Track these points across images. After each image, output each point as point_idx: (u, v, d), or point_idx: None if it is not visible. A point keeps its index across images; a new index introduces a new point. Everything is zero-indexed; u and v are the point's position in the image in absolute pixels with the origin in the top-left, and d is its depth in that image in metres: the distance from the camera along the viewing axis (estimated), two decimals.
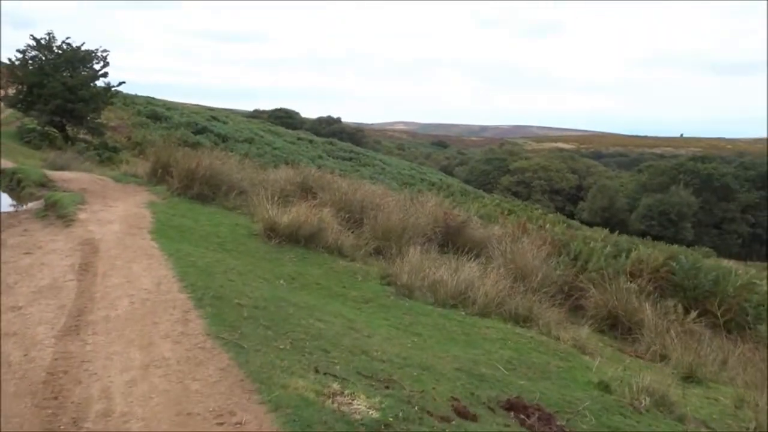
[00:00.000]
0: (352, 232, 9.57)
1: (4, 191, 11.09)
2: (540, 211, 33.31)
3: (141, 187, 11.33)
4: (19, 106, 22.11)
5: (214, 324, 4.25)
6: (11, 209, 9.01)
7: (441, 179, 42.71)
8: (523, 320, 7.18)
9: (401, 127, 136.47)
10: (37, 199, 9.97)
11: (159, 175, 11.39)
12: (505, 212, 25.92)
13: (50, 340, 3.93)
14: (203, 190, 9.99)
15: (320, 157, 34.69)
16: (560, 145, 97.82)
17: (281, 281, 6.69)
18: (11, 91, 22.42)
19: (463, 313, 6.95)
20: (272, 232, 8.45)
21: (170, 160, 11.38)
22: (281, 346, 4.09)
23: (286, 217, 8.59)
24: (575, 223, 34.50)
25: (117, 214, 8.12)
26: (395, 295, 7.13)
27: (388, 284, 7.64)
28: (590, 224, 36.81)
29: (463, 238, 10.74)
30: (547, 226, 16.51)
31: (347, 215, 10.12)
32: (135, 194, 10.42)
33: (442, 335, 5.96)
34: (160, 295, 4.83)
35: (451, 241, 10.57)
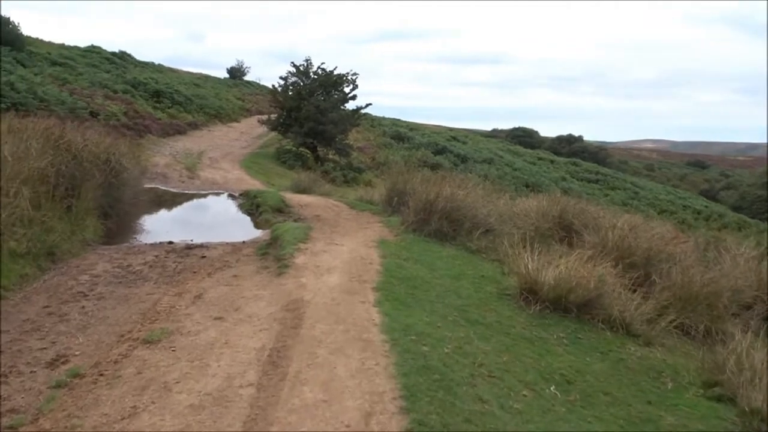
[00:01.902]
0: (637, 294, 6.71)
1: (245, 215, 10.42)
2: None
3: (374, 217, 9.77)
4: (279, 128, 22.96)
5: None
6: (239, 242, 7.96)
7: (706, 206, 35.96)
8: None
9: (649, 145, 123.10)
10: (269, 228, 8.94)
11: (394, 204, 9.72)
12: None
13: None
14: (442, 226, 7.98)
15: (564, 179, 31.23)
16: None
17: (552, 388, 4.24)
18: (273, 116, 23.44)
19: None
20: (531, 294, 6.04)
21: (406, 187, 9.65)
22: None
23: (550, 273, 6.11)
24: None
25: (340, 258, 6.43)
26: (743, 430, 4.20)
27: (719, 400, 4.71)
28: None
29: None
30: None
31: (627, 268, 7.27)
32: (366, 226, 8.83)
33: None
34: None
35: None
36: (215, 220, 10.11)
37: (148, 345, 3.95)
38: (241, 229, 9.38)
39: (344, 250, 6.83)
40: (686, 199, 38.21)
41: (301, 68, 22.25)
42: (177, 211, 10.70)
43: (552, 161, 38.51)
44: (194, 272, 6.10)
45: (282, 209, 10.30)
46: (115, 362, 3.68)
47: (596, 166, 40.21)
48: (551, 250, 8.12)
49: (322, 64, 22.26)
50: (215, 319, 4.45)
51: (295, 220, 9.59)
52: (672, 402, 4.51)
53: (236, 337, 4.05)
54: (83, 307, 4.83)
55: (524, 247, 7.84)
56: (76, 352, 3.88)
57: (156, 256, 6.84)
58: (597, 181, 34.02)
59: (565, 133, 64.87)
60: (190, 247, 7.46)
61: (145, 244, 7.76)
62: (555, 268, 6.21)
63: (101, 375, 3.50)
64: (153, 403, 3.11)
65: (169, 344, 3.95)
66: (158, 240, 8.03)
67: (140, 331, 4.24)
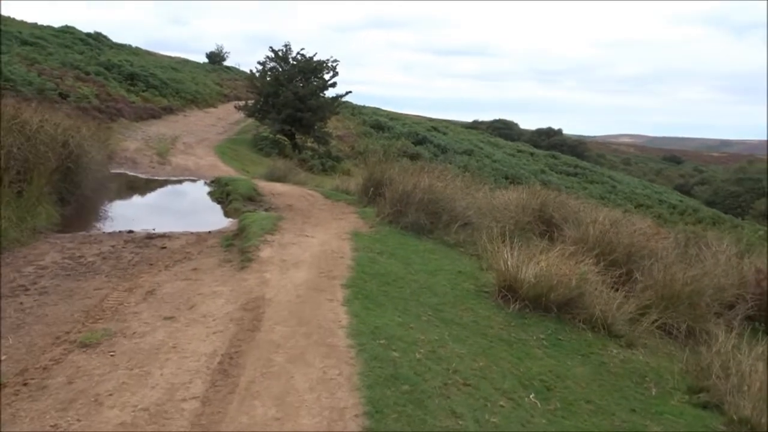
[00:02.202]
0: (619, 292, 6.41)
1: (215, 203, 9.93)
2: None
3: (350, 207, 9.36)
4: (257, 115, 22.35)
5: None
6: (205, 232, 7.49)
7: (681, 201, 36.15)
8: None
9: (626, 140, 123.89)
10: (238, 217, 8.49)
11: (370, 195, 9.31)
12: None
13: None
14: (419, 218, 7.60)
15: (543, 171, 31.06)
16: None
17: (531, 396, 3.90)
18: (250, 102, 22.82)
19: None
20: (510, 292, 5.70)
21: (384, 177, 9.25)
22: None
23: (530, 270, 5.77)
24: None
25: (310, 251, 6.01)
26: None
27: (705, 407, 4.42)
28: None
29: None
30: None
31: (608, 265, 6.97)
32: (341, 217, 8.42)
33: None
34: None
35: None
36: (183, 208, 9.61)
37: (85, 349, 3.51)
38: (208, 218, 8.90)
39: (315, 243, 6.41)
40: (662, 193, 38.39)
41: (280, 53, 21.65)
42: (143, 198, 10.17)
43: (532, 154, 38.36)
44: (151, 265, 5.64)
45: (253, 198, 9.84)
46: (45, 369, 3.25)
47: (575, 160, 40.20)
48: (531, 245, 7.80)
49: (301, 49, 21.71)
50: (165, 318, 4.02)
51: (267, 210, 9.14)
52: (657, 410, 4.20)
53: (186, 341, 3.62)
54: (21, 303, 4.36)
55: (503, 241, 7.52)
56: (2, 357, 3.43)
57: (112, 247, 6.36)
58: (576, 174, 33.96)
59: (544, 126, 64.95)
60: (150, 237, 6.98)
61: (103, 232, 7.26)
62: (535, 265, 5.88)
63: (25, 384, 3.06)
64: (78, 420, 2.68)
65: (109, 348, 3.52)
66: (118, 229, 7.53)
67: (80, 331, 3.79)
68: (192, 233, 7.33)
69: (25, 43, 25.78)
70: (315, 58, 21.61)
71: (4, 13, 35.34)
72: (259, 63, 22.02)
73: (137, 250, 6.23)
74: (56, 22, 35.78)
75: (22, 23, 34.72)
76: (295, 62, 21.64)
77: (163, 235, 7.10)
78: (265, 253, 5.70)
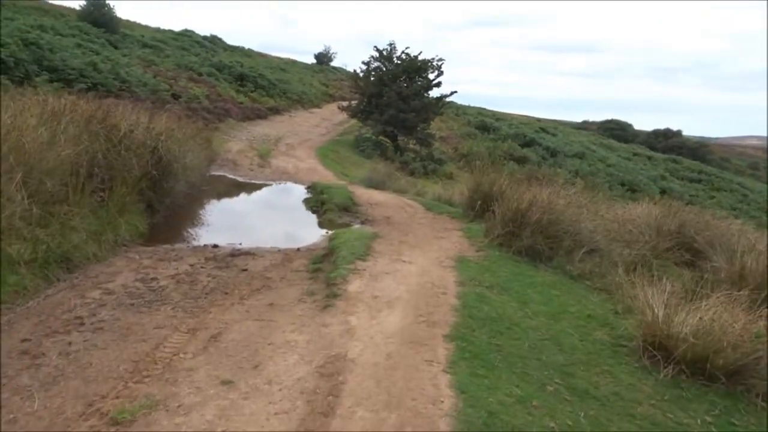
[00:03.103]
0: None
1: (310, 211, 9.21)
2: None
3: (453, 222, 8.27)
4: (359, 116, 21.75)
5: None
6: (293, 249, 6.71)
7: None
8: None
9: (754, 142, 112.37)
10: (331, 229, 7.67)
11: (477, 209, 8.17)
12: None
13: None
14: (536, 242, 6.37)
15: (663, 177, 28.18)
16: None
17: None
18: (353, 102, 22.27)
19: None
20: (660, 351, 4.38)
21: (492, 189, 8.06)
22: None
23: (687, 321, 4.41)
24: None
25: (406, 284, 5.01)
26: None
27: None
28: None
29: None
30: None
31: None
32: (443, 235, 7.35)
33: None
34: None
35: None
36: (276, 216, 8.96)
37: (115, 428, 2.70)
38: (301, 229, 8.16)
39: (412, 272, 5.39)
40: None
41: (384, 53, 20.87)
42: (237, 204, 9.65)
43: (649, 157, 35.18)
44: (226, 294, 4.87)
45: (349, 208, 9.01)
46: None
47: (699, 165, 36.44)
48: (676, 279, 6.35)
49: (406, 48, 20.79)
50: (223, 383, 3.15)
51: (363, 222, 8.28)
52: None
53: (239, 424, 2.73)
54: (69, 344, 3.69)
55: (641, 274, 6.13)
56: None
57: (191, 266, 5.69)
58: (700, 181, 30.62)
59: (661, 126, 60.05)
60: (234, 255, 6.28)
61: (187, 246, 6.66)
62: (692, 315, 4.51)
63: None
64: None
65: (144, 430, 2.69)
66: (204, 242, 6.93)
67: (118, 396, 3.01)
68: (279, 251, 6.57)
69: (145, 46, 26.89)
70: (419, 58, 20.64)
71: (131, 17, 37.38)
72: (363, 63, 21.41)
73: (216, 272, 5.51)
74: (177, 26, 37.36)
75: (146, 27, 36.58)
76: (399, 62, 20.79)
77: (247, 253, 6.39)
78: (354, 286, 4.76)
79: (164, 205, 7.83)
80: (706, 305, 4.73)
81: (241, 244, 6.90)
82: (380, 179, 11.98)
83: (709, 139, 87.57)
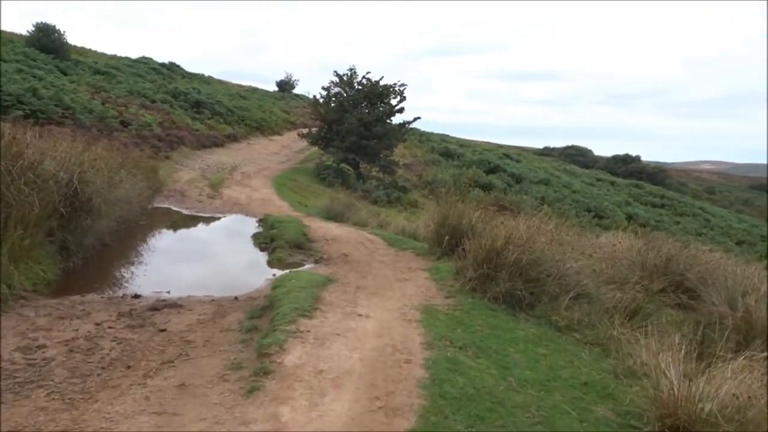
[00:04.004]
0: None
1: (258, 249, 8.11)
2: None
3: (418, 260, 7.30)
4: (320, 143, 20.81)
5: None
6: (231, 297, 5.61)
7: None
8: None
9: (708, 167, 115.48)
10: (280, 272, 6.61)
11: (444, 246, 7.22)
12: None
13: None
14: (515, 287, 5.41)
15: (628, 203, 27.88)
16: None
17: None
18: (314, 129, 21.35)
19: None
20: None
21: (461, 222, 7.14)
22: None
23: (707, 394, 3.49)
24: None
25: (361, 349, 3.98)
26: None
27: None
28: None
29: None
30: None
31: None
32: (407, 277, 6.36)
33: None
34: None
35: None
36: (218, 256, 7.83)
37: None
38: (245, 271, 7.07)
39: (369, 331, 4.35)
40: (758, 226, 34.07)
41: (345, 78, 20.06)
42: (176, 241, 8.47)
43: (612, 183, 35.08)
44: (128, 368, 3.75)
45: (302, 244, 7.96)
46: None
47: (661, 189, 36.54)
48: (673, 325, 5.49)
49: (367, 73, 20.04)
50: None
51: (317, 261, 7.23)
52: None
53: None
54: None
55: (636, 322, 5.28)
56: None
57: (96, 326, 4.54)
58: (663, 206, 30.49)
59: (620, 152, 60.84)
60: (156, 308, 5.15)
61: (101, 298, 5.49)
62: (714, 385, 3.59)
63: None
64: None
65: None
66: (124, 291, 5.78)
67: None
68: (212, 300, 5.47)
69: (97, 72, 25.53)
70: (381, 83, 19.89)
71: (84, 44, 35.92)
72: (323, 88, 20.53)
73: (124, 335, 4.38)
74: (137, 54, 36.01)
75: (102, 54, 35.15)
76: (360, 87, 20.00)
77: (173, 304, 5.27)
78: (293, 356, 3.69)
79: (83, 246, 6.64)
80: (724, 369, 3.84)
81: (169, 292, 5.77)
82: (339, 210, 10.97)
83: (666, 164, 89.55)
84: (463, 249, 6.35)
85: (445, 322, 4.78)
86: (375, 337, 4.23)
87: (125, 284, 6.08)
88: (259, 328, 4.45)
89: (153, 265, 6.89)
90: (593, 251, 7.24)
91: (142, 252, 7.48)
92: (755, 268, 7.83)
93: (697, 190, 63.82)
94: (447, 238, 7.15)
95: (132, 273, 6.54)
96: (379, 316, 4.77)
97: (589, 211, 22.90)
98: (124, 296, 5.56)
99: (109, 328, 4.55)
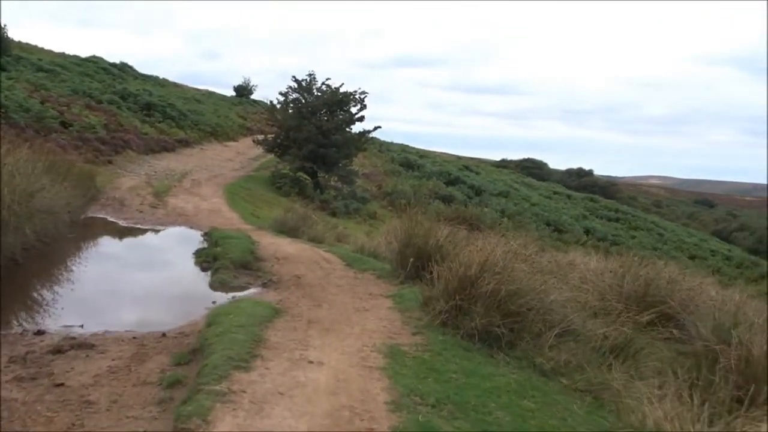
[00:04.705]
0: None
1: (199, 268, 7.11)
2: None
3: (380, 284, 6.47)
4: (276, 150, 19.80)
5: None
6: (158, 333, 4.64)
7: (729, 249, 32.50)
8: None
9: (655, 181, 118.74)
10: (214, 303, 5.67)
11: (409, 268, 6.41)
12: None
13: None
14: (492, 322, 4.63)
15: (584, 216, 27.80)
16: None
17: None
18: (270, 136, 20.33)
19: None
20: None
21: (428, 243, 6.35)
22: None
23: None
24: None
25: (312, 414, 3.10)
26: None
27: None
28: None
29: None
30: None
31: None
32: (367, 307, 5.52)
33: None
34: None
35: None
36: (150, 277, 6.79)
37: None
38: (180, 298, 6.08)
39: (322, 386, 3.48)
40: (706, 241, 34.67)
41: (304, 83, 19.13)
42: (103, 259, 7.37)
43: (569, 196, 35.13)
44: None
45: (249, 264, 7.03)
46: None
47: (615, 203, 36.86)
48: (663, 363, 4.82)
49: (327, 79, 19.16)
50: None
51: (265, 284, 6.32)
52: None
53: None
54: None
55: (628, 362, 4.60)
56: None
57: None
58: (617, 220, 30.61)
59: (573, 165, 61.78)
60: (60, 349, 4.15)
61: None
62: None
63: None
64: None
65: None
66: (27, 324, 4.74)
67: None
68: (134, 338, 4.50)
69: (40, 70, 23.83)
70: (341, 90, 19.05)
71: (31, 41, 33.82)
72: (280, 93, 19.54)
73: (7, 393, 3.38)
74: (88, 53, 34.05)
75: (49, 52, 33.13)
76: (319, 93, 19.11)
77: (84, 343, 4.28)
78: (223, 429, 2.78)
79: None
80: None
81: (82, 326, 4.76)
82: (293, 224, 10.04)
83: (616, 178, 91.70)
84: (431, 273, 5.55)
85: (413, 369, 3.95)
86: (329, 395, 3.36)
87: (30, 315, 5.03)
88: (184, 381, 3.52)
89: (70, 289, 5.83)
90: (567, 275, 6.55)
91: (60, 273, 6.39)
92: (737, 292, 7.32)
93: (646, 204, 65.29)
94: (412, 260, 6.34)
95: (42, 300, 5.48)
96: (334, 362, 3.90)
97: (548, 224, 22.59)
98: (23, 333, 4.52)
99: None
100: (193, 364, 3.82)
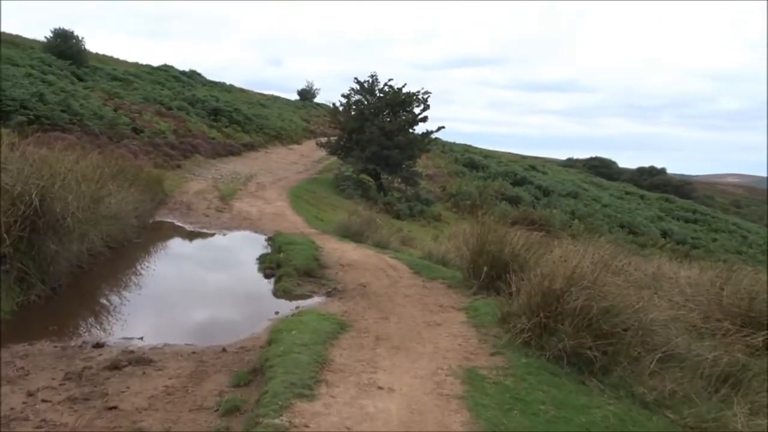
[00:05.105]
0: None
1: (262, 275, 6.86)
2: None
3: (451, 294, 5.99)
4: (339, 152, 19.62)
5: None
6: (218, 347, 4.36)
7: None
8: None
9: (733, 180, 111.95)
10: (277, 314, 5.36)
11: (483, 278, 5.90)
12: None
13: None
14: (583, 343, 4.07)
15: (660, 218, 26.20)
16: None
17: None
18: (333, 138, 20.17)
19: None
20: None
21: (504, 251, 5.82)
22: None
23: None
24: None
25: None
26: None
27: None
28: None
29: None
30: None
31: None
32: (439, 320, 5.05)
33: None
34: None
35: None
36: (212, 285, 6.58)
37: None
38: (242, 307, 5.81)
39: (393, 419, 3.05)
40: None
41: (366, 85, 18.85)
42: (167, 266, 7.24)
43: (642, 196, 33.31)
44: None
45: (313, 271, 6.71)
46: None
47: (692, 204, 34.68)
48: None
49: (389, 80, 18.79)
50: None
51: (329, 293, 5.97)
52: None
53: None
54: None
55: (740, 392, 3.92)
56: None
57: (29, 397, 3.33)
58: (696, 221, 28.69)
59: (642, 164, 58.84)
60: (117, 366, 3.92)
61: (54, 347, 4.27)
62: None
63: None
64: None
65: None
66: (84, 337, 4.57)
67: None
68: (193, 353, 4.23)
69: (115, 79, 24.74)
70: (404, 90, 18.64)
71: (107, 52, 35.34)
72: (343, 96, 19.33)
73: (58, 417, 3.14)
74: (158, 63, 35.27)
75: (123, 62, 34.49)
76: (382, 95, 18.77)
77: (141, 359, 4.04)
78: None
79: (51, 274, 5.45)
80: None
81: (142, 338, 4.55)
82: (358, 228, 9.69)
83: (690, 176, 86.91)
84: (508, 285, 5.03)
85: (496, 399, 3.46)
86: (400, 425, 2.92)
87: (90, 326, 4.87)
88: (242, 408, 3.18)
89: (132, 298, 5.67)
90: (661, 287, 5.85)
91: (124, 280, 6.28)
92: None
93: (724, 204, 61.44)
94: (486, 269, 5.83)
95: (103, 309, 5.33)
96: (406, 388, 3.47)
97: (622, 226, 21.33)
98: (82, 345, 4.34)
99: (43, 401, 3.33)
100: (252, 386, 3.49)
